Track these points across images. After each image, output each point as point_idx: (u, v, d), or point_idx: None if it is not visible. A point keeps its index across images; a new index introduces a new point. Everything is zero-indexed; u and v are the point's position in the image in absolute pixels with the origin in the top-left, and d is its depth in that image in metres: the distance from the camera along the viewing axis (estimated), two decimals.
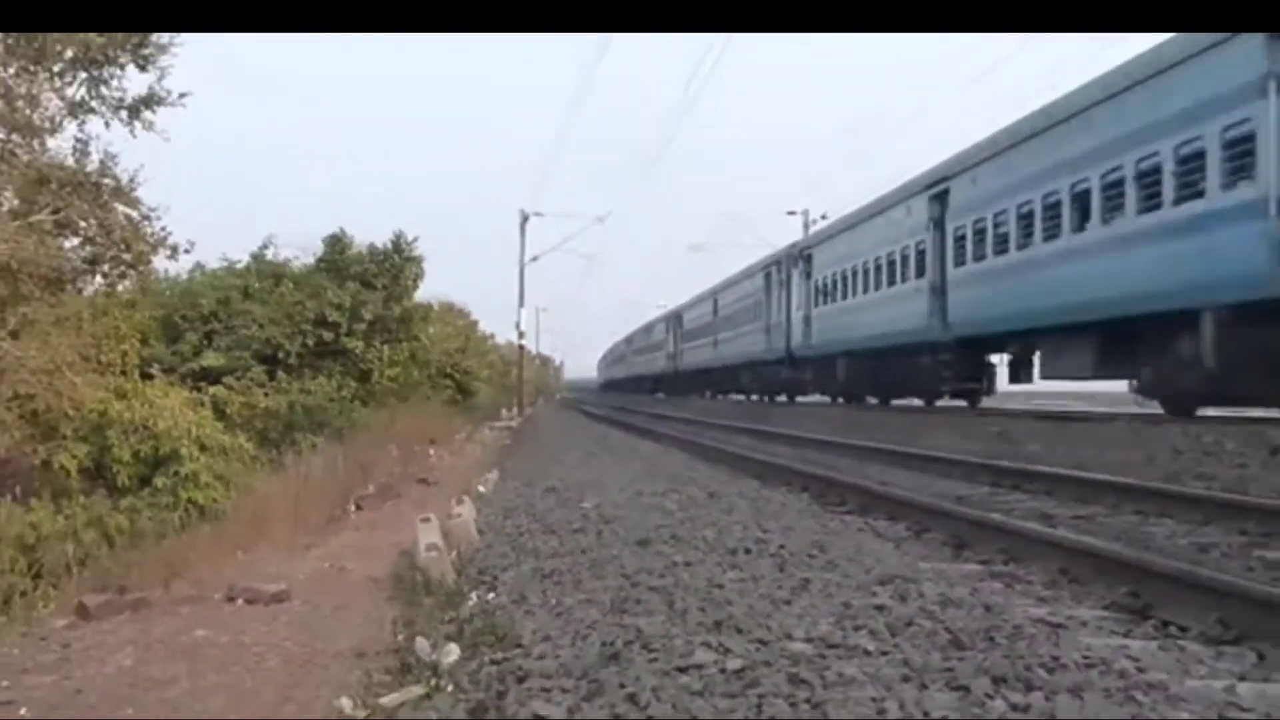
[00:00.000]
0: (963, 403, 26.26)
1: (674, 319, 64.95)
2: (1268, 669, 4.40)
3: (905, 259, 26.61)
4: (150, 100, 20.23)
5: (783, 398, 40.79)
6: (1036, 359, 21.61)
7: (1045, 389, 26.03)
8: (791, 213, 53.54)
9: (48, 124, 19.24)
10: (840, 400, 33.86)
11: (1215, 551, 7.13)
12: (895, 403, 30.81)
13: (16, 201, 18.90)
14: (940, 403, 27.49)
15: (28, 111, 18.54)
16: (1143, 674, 4.05)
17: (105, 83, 19.98)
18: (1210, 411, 16.78)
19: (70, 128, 19.90)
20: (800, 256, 36.43)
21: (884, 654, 4.36)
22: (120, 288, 22.81)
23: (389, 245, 30.01)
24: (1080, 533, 7.72)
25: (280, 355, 26.88)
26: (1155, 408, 18.19)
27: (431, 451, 25.31)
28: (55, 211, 18.94)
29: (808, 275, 35.07)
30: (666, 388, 67.70)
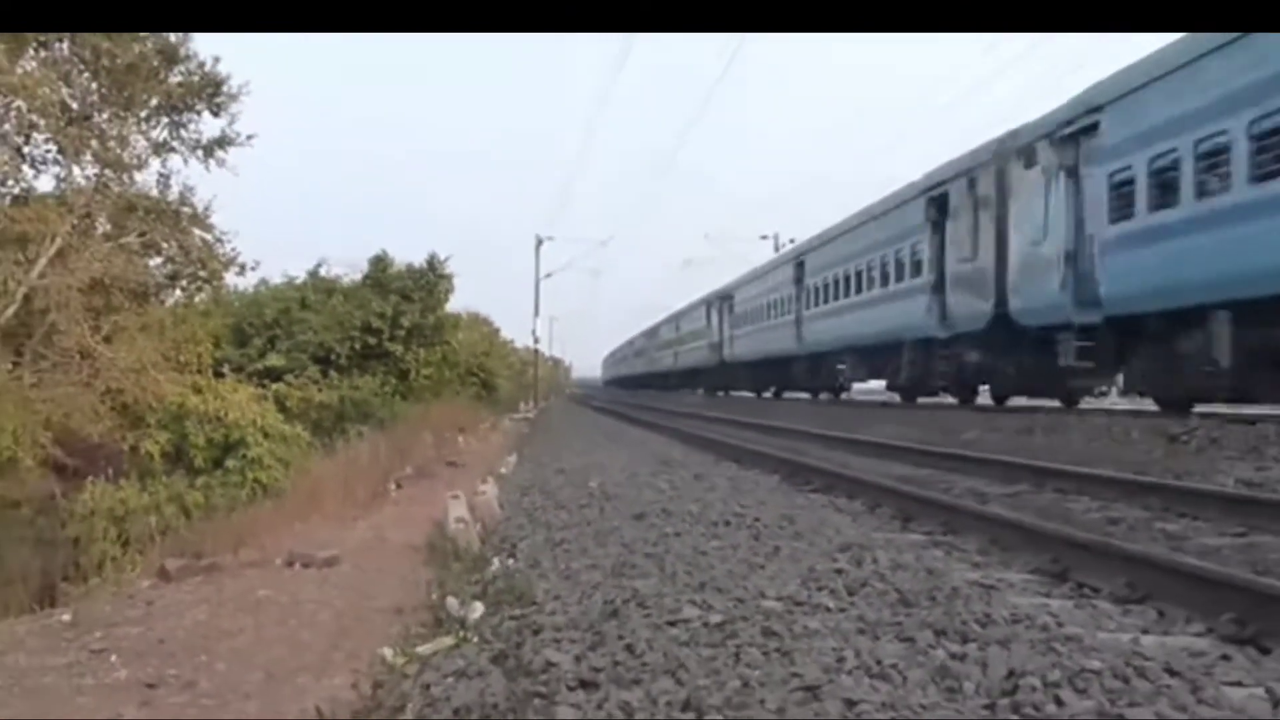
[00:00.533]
0: None
1: (720, 300, 45.45)
2: (1167, 624, 4.40)
3: None
4: (223, 141, 20.30)
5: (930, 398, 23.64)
6: None
7: None
8: (764, 237, 52.56)
9: (135, 161, 19.29)
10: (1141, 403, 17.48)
11: (1123, 524, 7.12)
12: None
13: (109, 226, 18.94)
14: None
15: (118, 150, 18.57)
16: (1061, 628, 4.04)
17: (184, 126, 20.06)
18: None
19: (154, 164, 19.98)
20: (1053, 141, 16.76)
21: (843, 610, 4.36)
22: (197, 299, 22.87)
23: (424, 264, 30.04)
24: (1009, 508, 7.72)
25: (332, 357, 26.91)
26: None
27: (460, 439, 25.27)
28: (142, 235, 18.98)
29: (1071, 174, 16.25)
30: (708, 383, 49.82)
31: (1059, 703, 3.11)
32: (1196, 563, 4.96)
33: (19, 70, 16.42)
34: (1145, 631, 4.23)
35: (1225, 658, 3.77)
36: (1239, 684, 3.42)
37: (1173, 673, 3.39)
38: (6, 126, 17.21)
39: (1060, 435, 13.68)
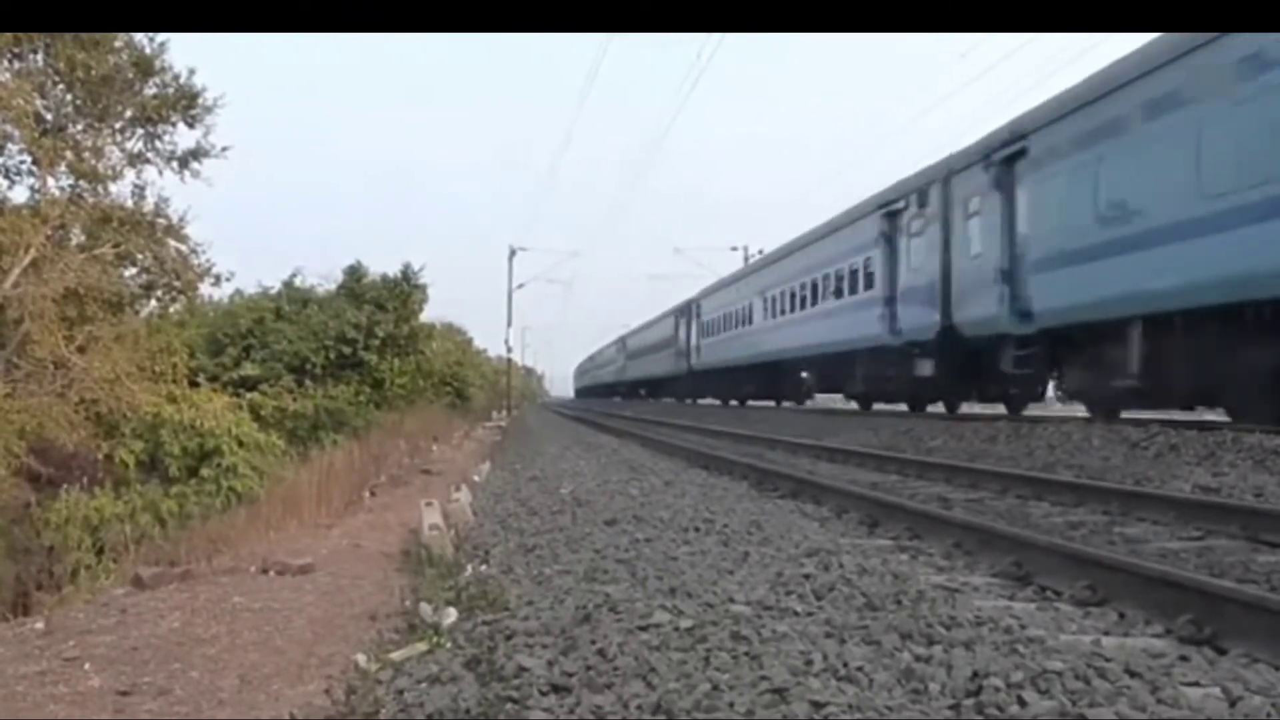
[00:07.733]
0: None
1: (686, 311, 44.66)
2: (1127, 625, 4.43)
3: None
4: (197, 153, 20.22)
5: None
6: None
7: None
8: (734, 248, 52.87)
9: (110, 172, 19.18)
10: None
11: (1084, 528, 7.17)
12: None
13: (84, 237, 18.78)
14: None
15: (93, 162, 18.43)
16: (1024, 630, 4.06)
17: (159, 137, 19.99)
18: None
19: (129, 175, 19.86)
20: (989, 164, 17.16)
21: (810, 614, 4.36)
22: (171, 310, 22.74)
23: (399, 274, 29.94)
24: (972, 513, 7.76)
25: (307, 366, 26.77)
26: None
27: (434, 447, 25.14)
28: (116, 246, 18.82)
29: (1006, 195, 16.73)
30: (676, 392, 48.30)
31: (1022, 703, 3.12)
32: (1155, 566, 5.00)
33: None
34: (1106, 633, 4.26)
35: (1184, 658, 3.79)
36: (1196, 684, 3.45)
37: (1132, 673, 3.41)
38: None
39: (1023, 442, 13.77)
